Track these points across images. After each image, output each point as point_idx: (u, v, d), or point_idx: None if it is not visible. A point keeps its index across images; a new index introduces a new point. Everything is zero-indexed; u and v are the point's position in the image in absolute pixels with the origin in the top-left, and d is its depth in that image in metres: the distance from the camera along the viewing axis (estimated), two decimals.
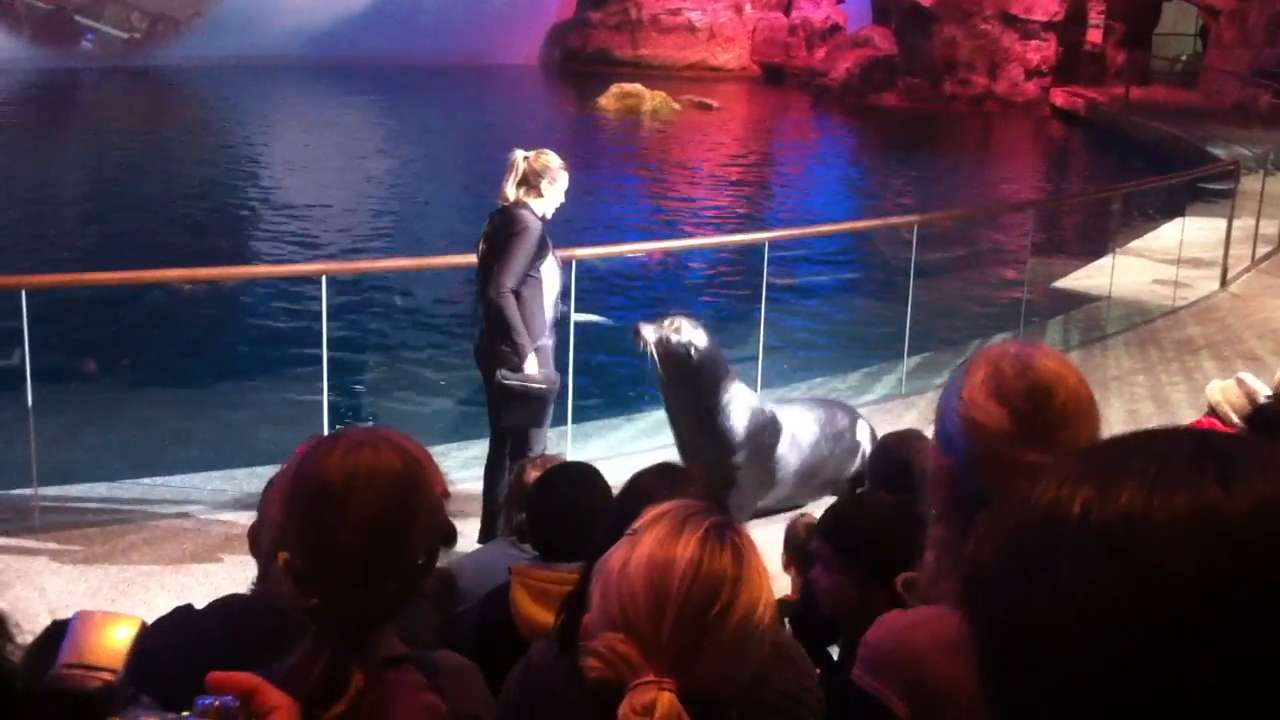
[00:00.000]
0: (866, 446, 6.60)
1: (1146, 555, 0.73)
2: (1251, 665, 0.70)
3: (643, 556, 1.62)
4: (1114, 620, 0.73)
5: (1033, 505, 0.79)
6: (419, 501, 1.82)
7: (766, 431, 6.30)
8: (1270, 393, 5.05)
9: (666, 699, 1.51)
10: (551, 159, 5.93)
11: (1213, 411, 5.19)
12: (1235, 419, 5.01)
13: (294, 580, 1.78)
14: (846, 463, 6.58)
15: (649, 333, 5.98)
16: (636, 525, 1.72)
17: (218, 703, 1.06)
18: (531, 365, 5.86)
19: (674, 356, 5.98)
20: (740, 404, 6.20)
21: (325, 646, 1.75)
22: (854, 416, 6.79)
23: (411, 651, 1.91)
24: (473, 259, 6.14)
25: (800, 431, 6.45)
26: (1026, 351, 1.97)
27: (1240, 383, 5.21)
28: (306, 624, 1.78)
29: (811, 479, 6.48)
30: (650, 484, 2.51)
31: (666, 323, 6.03)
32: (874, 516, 3.04)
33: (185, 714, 1.04)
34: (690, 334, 6.02)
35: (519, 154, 5.94)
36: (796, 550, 4.31)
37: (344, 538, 1.77)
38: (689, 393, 6.08)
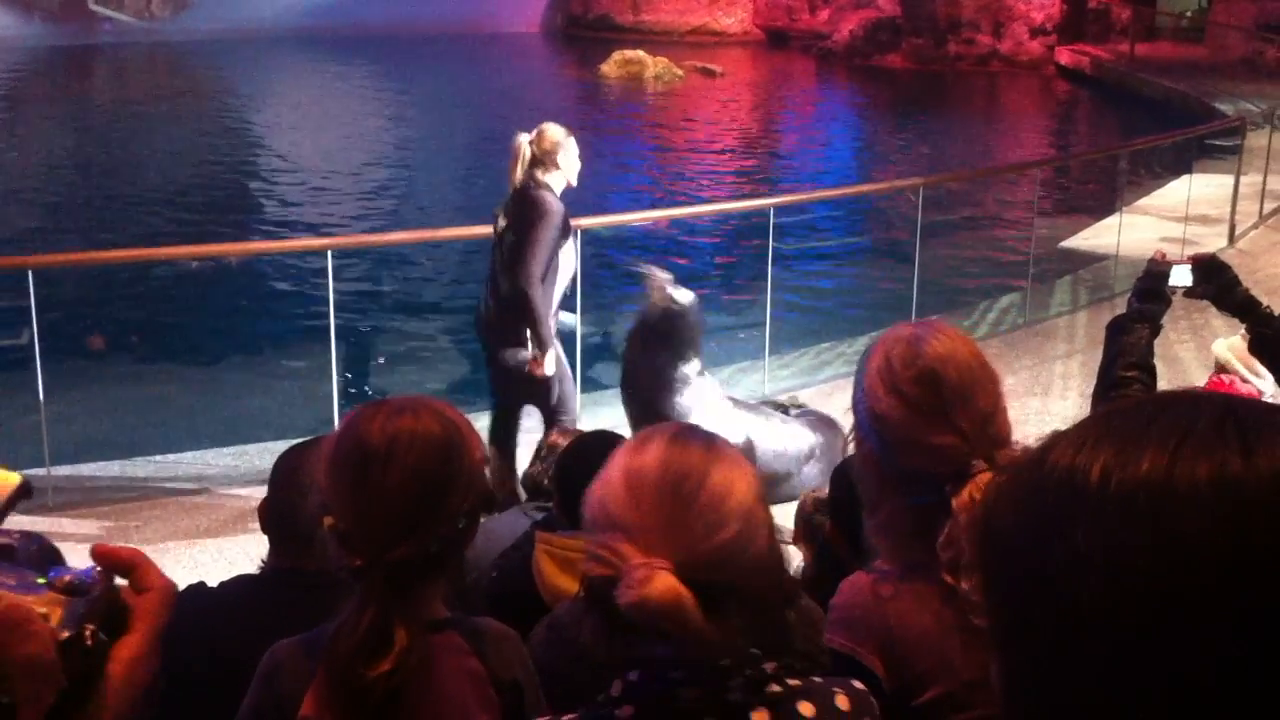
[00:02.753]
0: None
1: (1167, 523, 0.73)
2: (1270, 634, 0.70)
3: (618, 469, 1.62)
4: (1131, 586, 0.73)
5: (1050, 468, 0.79)
6: (458, 465, 1.89)
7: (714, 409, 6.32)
8: None
9: (661, 575, 1.49)
10: (554, 131, 5.84)
11: (1221, 368, 5.16)
12: (1244, 373, 4.99)
13: (339, 542, 1.85)
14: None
15: (662, 277, 6.18)
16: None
17: (69, 577, 0.96)
18: (551, 360, 5.86)
19: (668, 309, 6.14)
20: (699, 382, 6.27)
21: (369, 606, 1.81)
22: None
23: (455, 616, 1.97)
24: (480, 230, 6.12)
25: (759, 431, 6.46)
26: (916, 335, 2.01)
27: (1246, 339, 5.18)
28: (352, 585, 1.84)
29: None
30: None
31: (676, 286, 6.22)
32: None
33: (40, 580, 0.95)
34: (689, 304, 6.18)
35: (522, 139, 5.83)
36: (806, 524, 4.31)
37: (386, 499, 1.84)
38: (663, 352, 6.17)
